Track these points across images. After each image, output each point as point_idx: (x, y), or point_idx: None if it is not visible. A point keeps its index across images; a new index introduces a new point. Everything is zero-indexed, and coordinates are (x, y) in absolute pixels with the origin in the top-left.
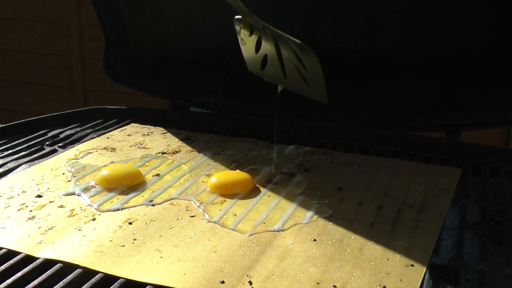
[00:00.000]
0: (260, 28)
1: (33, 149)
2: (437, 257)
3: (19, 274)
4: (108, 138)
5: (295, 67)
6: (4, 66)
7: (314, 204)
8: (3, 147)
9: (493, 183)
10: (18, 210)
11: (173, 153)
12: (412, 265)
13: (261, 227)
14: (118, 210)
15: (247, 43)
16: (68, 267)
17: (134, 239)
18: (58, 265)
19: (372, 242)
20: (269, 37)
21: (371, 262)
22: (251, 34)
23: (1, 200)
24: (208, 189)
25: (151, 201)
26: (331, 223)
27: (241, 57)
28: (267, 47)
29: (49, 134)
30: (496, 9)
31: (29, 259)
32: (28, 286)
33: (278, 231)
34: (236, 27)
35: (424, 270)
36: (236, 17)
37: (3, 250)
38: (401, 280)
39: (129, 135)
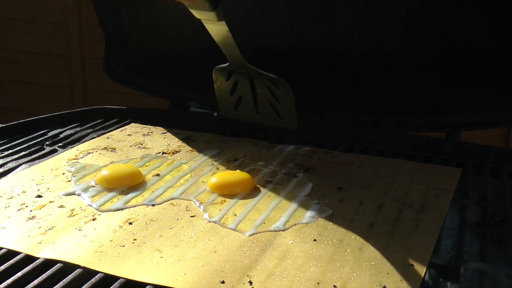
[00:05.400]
0: (239, 70)
1: (33, 149)
2: (437, 257)
3: (19, 274)
4: (108, 138)
5: (268, 101)
6: (4, 66)
7: (314, 204)
8: (3, 147)
9: (493, 183)
10: (18, 210)
11: (173, 153)
12: (412, 265)
13: (261, 227)
14: (118, 210)
15: (222, 88)
16: (68, 267)
17: (134, 239)
18: (58, 265)
19: (372, 242)
20: (245, 78)
21: (371, 262)
22: (227, 80)
23: (1, 200)
24: (208, 189)
25: (151, 201)
26: (331, 223)
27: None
28: (242, 88)
29: (49, 134)
30: (496, 9)
31: (29, 259)
32: (28, 286)
33: (278, 231)
34: (213, 76)
35: (424, 270)
36: (216, 67)
37: (3, 250)
38: (401, 280)
39: (129, 135)
